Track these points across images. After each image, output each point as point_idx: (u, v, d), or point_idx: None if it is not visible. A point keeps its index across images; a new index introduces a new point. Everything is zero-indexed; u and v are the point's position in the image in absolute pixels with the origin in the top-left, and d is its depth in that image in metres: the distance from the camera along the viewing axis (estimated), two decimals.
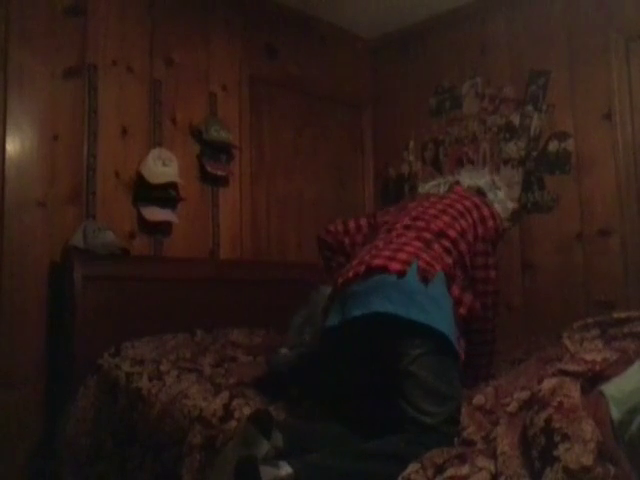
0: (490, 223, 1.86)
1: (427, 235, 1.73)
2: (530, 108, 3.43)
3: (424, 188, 2.15)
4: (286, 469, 1.35)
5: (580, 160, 3.23)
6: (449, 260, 1.69)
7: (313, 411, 1.83)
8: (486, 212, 1.89)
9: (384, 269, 1.59)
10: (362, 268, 1.64)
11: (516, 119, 3.48)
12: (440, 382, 1.49)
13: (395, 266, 1.59)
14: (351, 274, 1.66)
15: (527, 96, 3.45)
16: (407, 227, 1.80)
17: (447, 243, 1.73)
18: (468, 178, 2.09)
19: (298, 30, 3.83)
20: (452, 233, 1.76)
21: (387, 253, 1.66)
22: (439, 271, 1.62)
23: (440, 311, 1.55)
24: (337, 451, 1.46)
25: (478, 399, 1.43)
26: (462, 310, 1.66)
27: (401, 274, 1.57)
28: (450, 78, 3.82)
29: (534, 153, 3.40)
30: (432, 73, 3.91)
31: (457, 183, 2.07)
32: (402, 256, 1.62)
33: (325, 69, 3.97)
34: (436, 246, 1.70)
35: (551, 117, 3.35)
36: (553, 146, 3.32)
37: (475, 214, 1.85)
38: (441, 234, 1.75)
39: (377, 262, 1.62)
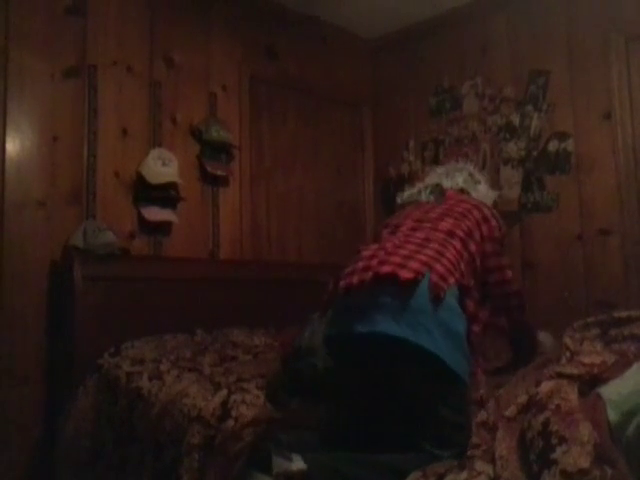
0: (493, 222, 1.80)
1: (439, 235, 1.64)
2: (530, 108, 3.43)
3: (402, 197, 2.07)
4: (298, 464, 1.34)
5: (580, 160, 3.22)
6: (462, 267, 1.59)
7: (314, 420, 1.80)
8: (487, 212, 1.82)
9: (393, 276, 1.48)
10: (369, 275, 1.52)
11: (516, 119, 3.48)
12: (459, 415, 1.45)
13: (406, 274, 1.48)
14: (355, 280, 1.54)
15: (527, 96, 3.44)
16: (413, 229, 1.70)
17: (458, 244, 1.64)
18: (446, 178, 2.01)
19: (298, 30, 3.83)
20: (460, 233, 1.67)
21: (397, 259, 1.53)
22: (452, 284, 1.51)
23: (449, 339, 1.45)
24: (353, 458, 1.44)
25: (481, 415, 1.41)
26: (476, 327, 1.57)
27: (411, 282, 1.47)
28: (450, 78, 3.82)
29: (534, 153, 3.40)
30: (432, 73, 3.91)
31: (438, 186, 1.99)
32: (413, 265, 1.51)
33: (325, 69, 3.97)
34: (448, 254, 1.59)
35: (551, 117, 3.35)
36: (553, 146, 3.32)
37: (476, 213, 1.78)
38: (450, 234, 1.66)
39: (385, 269, 1.50)
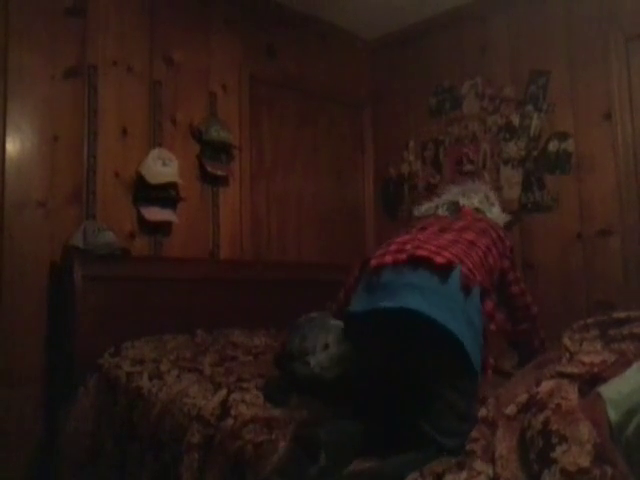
0: (507, 242, 1.89)
1: (464, 242, 1.69)
2: (530, 108, 3.43)
3: (420, 211, 2.12)
4: None
5: (580, 160, 3.22)
6: (483, 271, 1.65)
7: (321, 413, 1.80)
8: (500, 232, 1.90)
9: (428, 260, 1.53)
10: (403, 256, 1.57)
11: (516, 119, 3.48)
12: (467, 405, 1.46)
13: (441, 260, 1.53)
14: (388, 260, 1.58)
15: (527, 96, 3.45)
16: (441, 231, 1.76)
17: (480, 252, 1.69)
18: (463, 197, 2.08)
19: (298, 30, 3.83)
20: (481, 246, 1.73)
21: (432, 248, 1.59)
22: (477, 281, 1.56)
23: (471, 329, 1.48)
24: (356, 475, 1.44)
25: (481, 412, 1.41)
26: (492, 326, 1.61)
27: (445, 268, 1.51)
28: (450, 78, 3.82)
29: (534, 153, 3.40)
30: (432, 73, 3.91)
31: (454, 204, 2.05)
32: (447, 254, 1.57)
33: (325, 69, 3.98)
34: (474, 255, 1.65)
35: (551, 117, 3.35)
36: (553, 146, 3.32)
37: (492, 233, 1.85)
38: (473, 244, 1.71)
39: (421, 252, 1.56)
